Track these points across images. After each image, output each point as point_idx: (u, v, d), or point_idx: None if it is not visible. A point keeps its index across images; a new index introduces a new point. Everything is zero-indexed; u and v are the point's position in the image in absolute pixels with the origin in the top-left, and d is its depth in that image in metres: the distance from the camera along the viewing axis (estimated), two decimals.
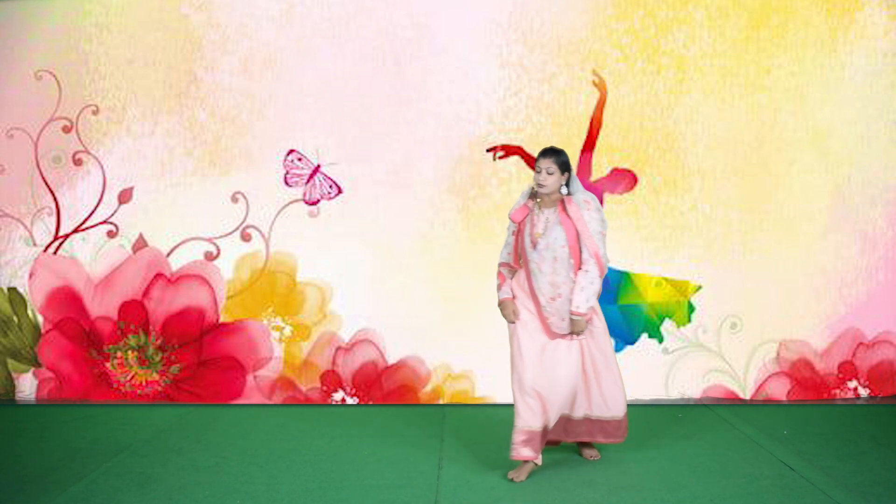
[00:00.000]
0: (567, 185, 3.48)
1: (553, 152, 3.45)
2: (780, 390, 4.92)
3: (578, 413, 3.61)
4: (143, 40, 5.01)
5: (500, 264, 3.70)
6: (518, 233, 3.57)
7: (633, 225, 4.92)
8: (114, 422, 4.50)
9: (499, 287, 3.66)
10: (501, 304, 3.61)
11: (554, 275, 3.46)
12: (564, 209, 3.43)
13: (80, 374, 5.05)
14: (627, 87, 4.90)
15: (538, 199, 3.52)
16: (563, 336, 3.51)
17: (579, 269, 3.45)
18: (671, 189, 4.92)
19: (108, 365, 5.04)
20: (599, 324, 3.60)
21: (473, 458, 3.76)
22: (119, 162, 5.04)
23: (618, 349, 4.92)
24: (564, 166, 3.45)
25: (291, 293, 4.98)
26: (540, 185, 3.44)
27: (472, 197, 4.91)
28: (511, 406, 3.54)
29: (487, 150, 4.92)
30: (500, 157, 4.91)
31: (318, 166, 4.98)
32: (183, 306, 5.00)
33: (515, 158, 4.91)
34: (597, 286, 3.44)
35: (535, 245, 3.46)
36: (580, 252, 3.43)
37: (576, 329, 3.48)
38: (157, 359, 5.02)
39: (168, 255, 5.01)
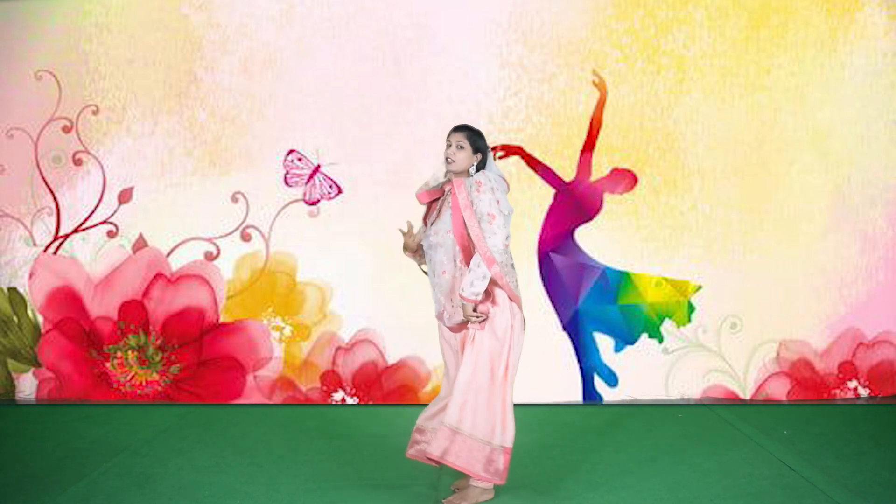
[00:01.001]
0: (478, 168, 3.11)
1: (466, 128, 3.11)
2: (780, 390, 4.92)
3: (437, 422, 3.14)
4: (143, 40, 5.01)
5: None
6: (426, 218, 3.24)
7: (633, 225, 4.92)
8: (114, 422, 4.49)
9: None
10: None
11: (436, 263, 3.10)
12: (453, 191, 3.04)
13: (80, 374, 5.05)
14: (627, 87, 4.90)
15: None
16: (460, 327, 3.09)
17: (468, 257, 3.03)
18: (671, 189, 4.92)
19: (108, 365, 5.04)
20: (500, 330, 3.04)
21: None
22: (119, 162, 5.04)
23: (618, 349, 4.93)
24: (477, 146, 3.08)
25: (291, 293, 4.99)
26: (448, 161, 3.08)
27: None
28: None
29: None
30: (500, 157, 4.91)
31: (318, 166, 4.98)
32: (183, 306, 5.00)
33: (515, 158, 4.91)
34: (482, 273, 2.94)
35: (426, 232, 3.16)
36: (468, 238, 3.00)
37: (464, 314, 3.00)
38: (157, 359, 5.02)
39: (168, 255, 5.01)
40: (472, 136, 3.09)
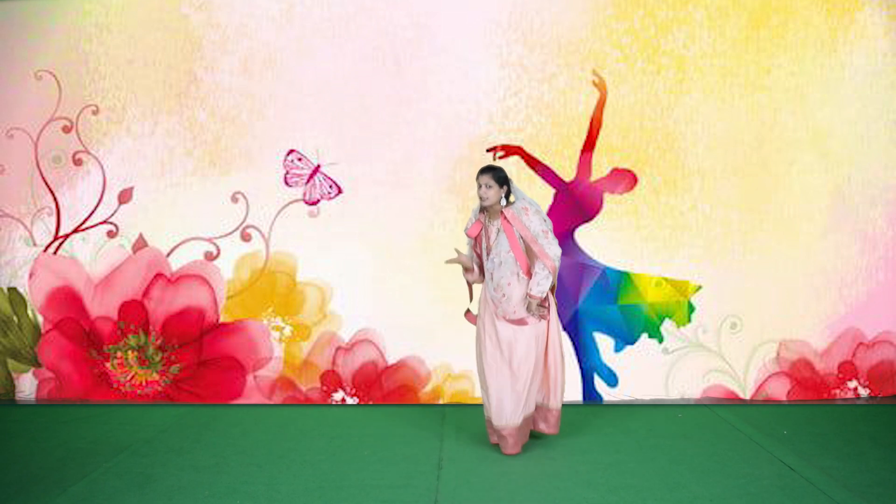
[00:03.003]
0: (507, 197, 3.82)
1: (490, 169, 3.80)
2: (780, 390, 4.93)
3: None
4: (143, 40, 5.01)
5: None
6: (476, 246, 3.95)
7: (633, 225, 4.92)
8: (114, 422, 4.50)
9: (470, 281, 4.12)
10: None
11: (500, 278, 3.80)
12: (505, 218, 3.77)
13: (80, 374, 5.05)
14: (627, 87, 4.90)
15: (487, 213, 3.87)
16: (520, 321, 3.79)
17: (527, 269, 3.77)
18: (671, 189, 4.92)
19: (108, 365, 5.04)
20: (553, 321, 3.91)
21: (473, 458, 3.76)
22: (119, 162, 5.05)
23: (618, 349, 4.93)
24: (502, 181, 3.78)
25: (291, 293, 4.99)
26: (482, 199, 3.79)
27: (472, 197, 4.89)
28: None
29: (487, 150, 4.93)
30: (500, 157, 4.91)
31: (318, 166, 4.98)
32: (183, 306, 5.00)
33: (515, 158, 4.91)
34: (546, 275, 3.73)
35: (488, 254, 3.85)
36: (525, 255, 3.77)
37: (530, 309, 3.76)
38: (157, 359, 5.02)
39: (168, 255, 5.01)
40: (496, 175, 3.78)
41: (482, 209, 3.89)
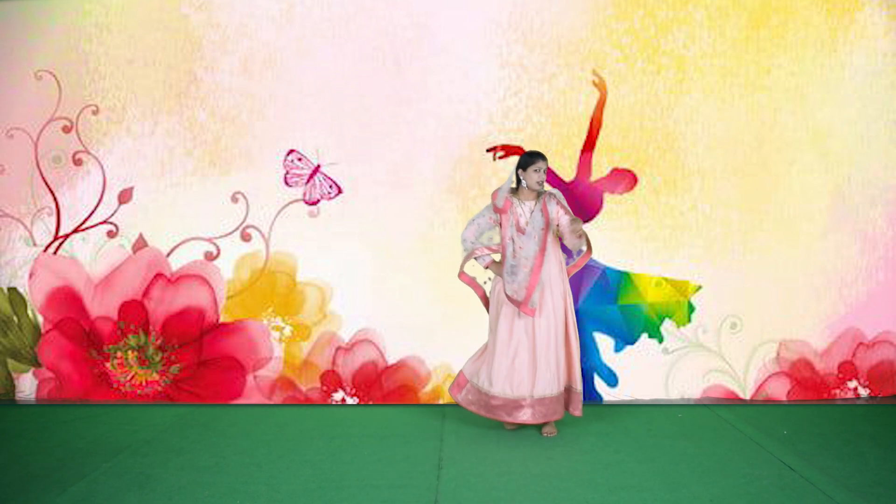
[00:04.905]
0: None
1: (545, 158, 4.10)
2: (780, 390, 4.93)
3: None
4: (143, 40, 5.01)
5: (475, 248, 4.28)
6: (499, 222, 4.18)
7: (633, 225, 4.92)
8: (114, 422, 4.50)
9: (476, 256, 4.27)
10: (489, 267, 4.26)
11: (530, 250, 4.08)
12: (545, 201, 4.11)
13: (80, 374, 5.05)
14: (627, 87, 4.90)
15: (518, 195, 4.16)
16: (527, 308, 4.06)
17: (543, 248, 4.09)
18: (671, 189, 4.92)
19: (108, 365, 5.04)
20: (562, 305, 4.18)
21: (473, 458, 3.76)
22: (119, 162, 5.05)
23: (618, 349, 4.93)
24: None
25: (291, 293, 4.99)
26: (540, 184, 4.08)
27: (472, 197, 4.91)
28: None
29: (487, 150, 4.93)
30: (500, 157, 4.91)
31: (318, 166, 4.99)
32: (183, 306, 5.00)
33: (515, 158, 4.91)
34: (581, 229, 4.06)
35: (523, 231, 4.11)
36: (548, 233, 4.12)
37: (575, 232, 4.04)
38: (157, 359, 5.02)
39: (168, 255, 5.01)
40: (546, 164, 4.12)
41: (513, 190, 4.18)
